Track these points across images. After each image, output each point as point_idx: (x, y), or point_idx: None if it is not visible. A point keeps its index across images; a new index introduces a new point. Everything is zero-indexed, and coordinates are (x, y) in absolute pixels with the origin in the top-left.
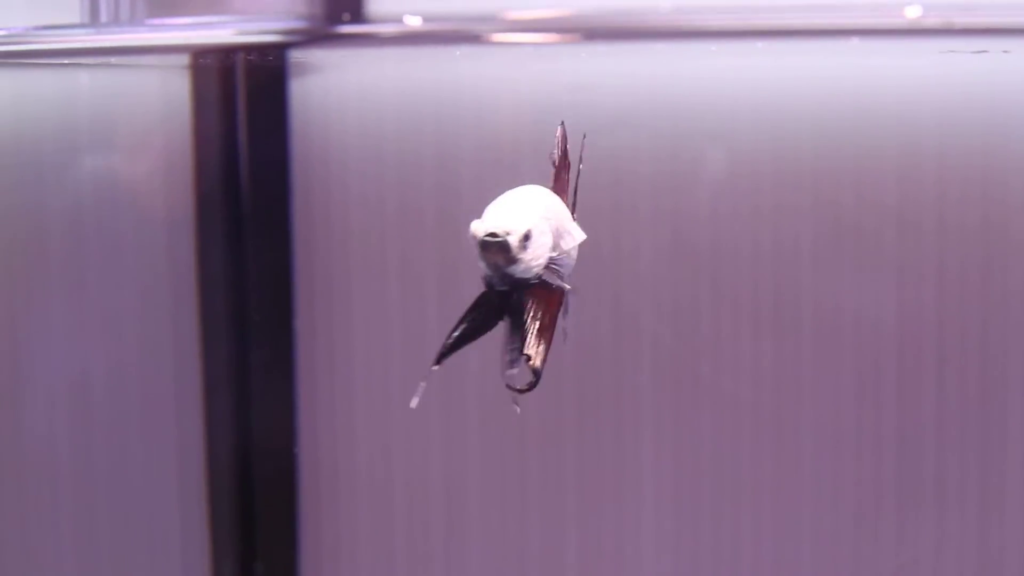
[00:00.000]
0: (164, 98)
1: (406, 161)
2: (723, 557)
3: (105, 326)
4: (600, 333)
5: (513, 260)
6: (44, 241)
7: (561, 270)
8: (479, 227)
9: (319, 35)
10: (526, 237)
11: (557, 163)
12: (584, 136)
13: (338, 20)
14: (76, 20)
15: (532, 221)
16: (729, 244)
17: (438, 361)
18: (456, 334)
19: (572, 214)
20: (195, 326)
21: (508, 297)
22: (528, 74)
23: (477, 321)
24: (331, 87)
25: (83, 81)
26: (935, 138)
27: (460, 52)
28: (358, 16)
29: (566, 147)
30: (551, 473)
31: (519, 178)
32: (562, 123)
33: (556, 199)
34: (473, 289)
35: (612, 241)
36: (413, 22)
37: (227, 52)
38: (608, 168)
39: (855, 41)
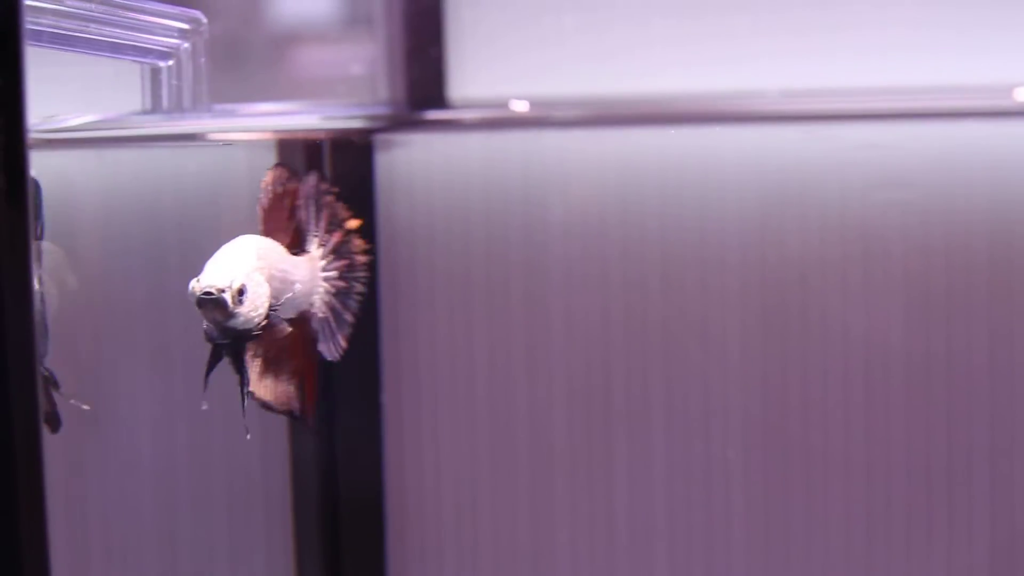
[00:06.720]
0: (250, 173)
1: (493, 236)
2: None
3: (189, 393)
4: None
5: (231, 315)
6: (132, 306)
7: (286, 311)
8: (195, 285)
9: (403, 121)
10: (241, 292)
11: (267, 206)
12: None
13: (421, 105)
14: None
15: (247, 273)
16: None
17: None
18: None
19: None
20: None
21: (234, 347)
22: (613, 151)
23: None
24: (416, 162)
25: (170, 155)
26: None
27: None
28: (441, 101)
29: (286, 190)
30: (640, 520)
31: (604, 253)
32: (275, 165)
33: (271, 243)
34: (560, 370)
35: (701, 313)
36: (519, 106)
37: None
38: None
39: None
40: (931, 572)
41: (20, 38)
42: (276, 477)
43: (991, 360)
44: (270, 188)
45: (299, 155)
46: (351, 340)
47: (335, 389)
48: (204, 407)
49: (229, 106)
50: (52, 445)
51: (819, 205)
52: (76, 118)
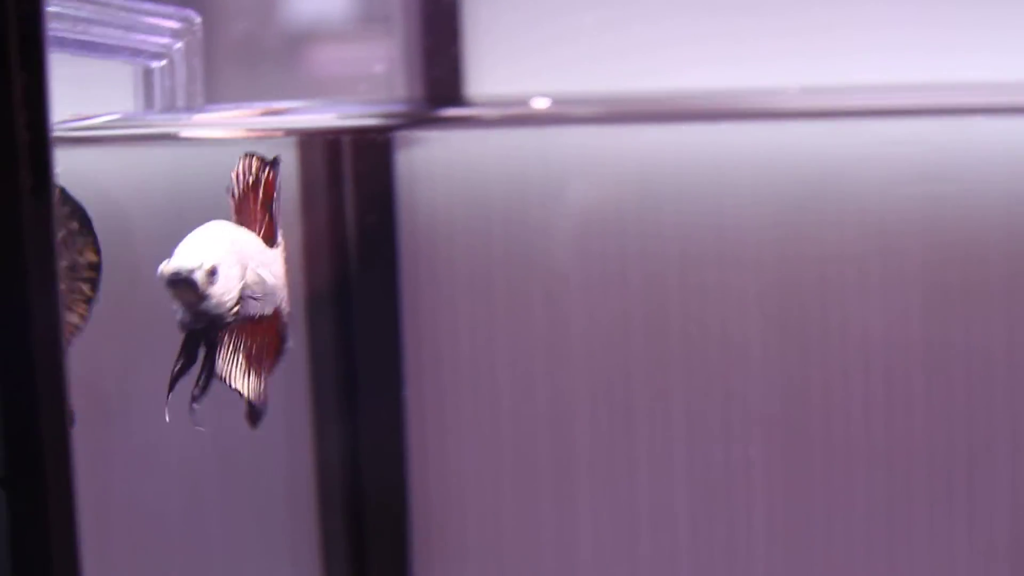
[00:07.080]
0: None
1: (512, 232)
2: None
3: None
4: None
5: (202, 296)
6: (154, 303)
7: (261, 301)
8: (165, 267)
9: (422, 118)
10: (212, 272)
11: (239, 195)
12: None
13: (439, 102)
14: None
15: (218, 256)
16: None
17: (168, 395)
18: (174, 373)
19: (275, 243)
20: (306, 400)
21: (208, 334)
22: (631, 148)
23: (191, 359)
24: (436, 159)
25: (187, 153)
26: None
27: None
28: (459, 98)
29: (258, 179)
30: (661, 514)
31: (623, 249)
32: (245, 154)
33: (244, 232)
34: (581, 365)
35: (719, 319)
36: (538, 104)
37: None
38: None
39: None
40: (952, 566)
41: (43, 39)
42: (300, 476)
43: (1009, 354)
44: (241, 178)
45: (319, 153)
46: (372, 337)
47: (358, 386)
48: (167, 418)
49: (245, 104)
50: (76, 443)
51: (837, 201)
52: (100, 116)
